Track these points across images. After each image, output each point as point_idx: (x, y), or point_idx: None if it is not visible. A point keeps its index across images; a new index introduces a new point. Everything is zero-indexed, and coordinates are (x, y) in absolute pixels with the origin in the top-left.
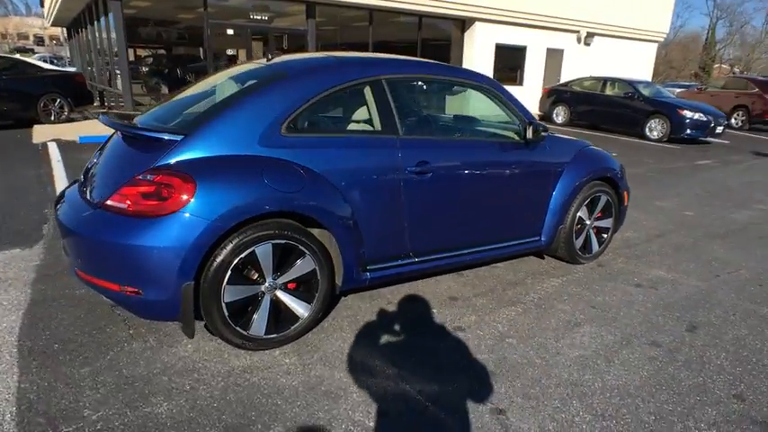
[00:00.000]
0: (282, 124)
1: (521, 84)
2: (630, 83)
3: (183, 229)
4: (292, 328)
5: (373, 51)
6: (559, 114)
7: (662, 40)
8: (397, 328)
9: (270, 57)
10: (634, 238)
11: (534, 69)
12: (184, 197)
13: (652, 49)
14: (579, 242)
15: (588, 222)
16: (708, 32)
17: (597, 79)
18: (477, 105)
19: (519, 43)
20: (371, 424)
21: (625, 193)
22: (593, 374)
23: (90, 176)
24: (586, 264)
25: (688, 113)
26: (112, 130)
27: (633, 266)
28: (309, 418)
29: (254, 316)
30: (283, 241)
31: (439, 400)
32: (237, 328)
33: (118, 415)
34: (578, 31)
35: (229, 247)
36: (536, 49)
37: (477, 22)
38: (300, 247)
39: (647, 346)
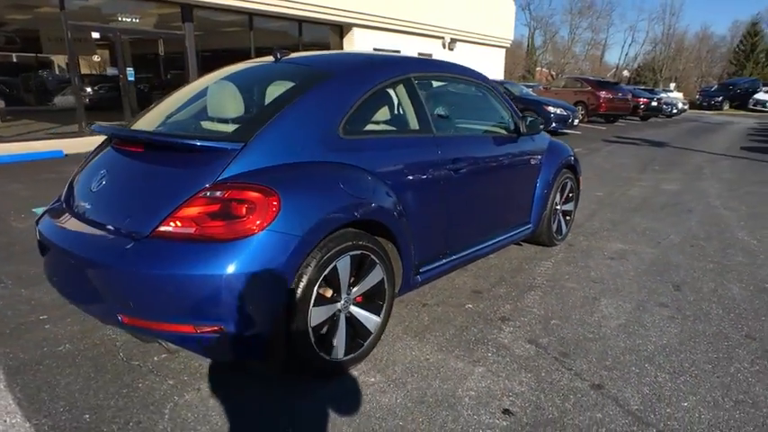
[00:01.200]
0: (339, 126)
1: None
2: (501, 83)
3: (274, 250)
4: (365, 344)
5: (256, 57)
6: None
7: (508, 45)
8: (450, 327)
9: (279, 56)
10: (577, 218)
11: None
12: (269, 213)
13: (501, 53)
14: (555, 226)
15: (558, 207)
16: (528, 41)
17: None
18: (470, 103)
19: (393, 48)
20: (503, 423)
21: (580, 178)
22: (641, 339)
23: (94, 198)
24: (559, 245)
25: (552, 109)
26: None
27: (595, 243)
28: (441, 429)
29: (334, 338)
30: (359, 252)
31: (543, 387)
32: (322, 354)
33: None
34: (443, 38)
35: (313, 263)
36: (409, 53)
37: (354, 28)
38: (372, 256)
39: (658, 308)
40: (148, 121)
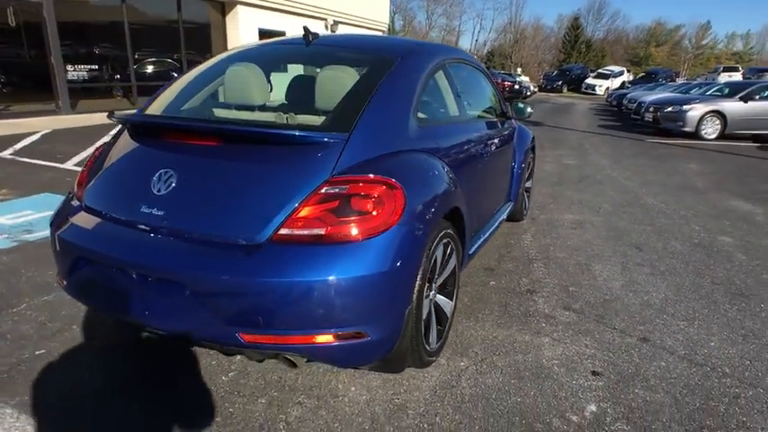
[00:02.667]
0: (414, 114)
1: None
2: None
3: (405, 245)
4: (445, 330)
5: (130, 33)
6: None
7: (385, 29)
8: (492, 305)
9: (311, 37)
10: None
11: None
12: (397, 207)
13: None
14: (524, 202)
15: (525, 185)
16: (389, 25)
17: None
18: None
19: (279, 28)
20: (599, 383)
21: (534, 157)
22: (645, 295)
23: (164, 202)
24: (525, 220)
25: None
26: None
27: (550, 215)
28: (554, 398)
29: (430, 327)
30: (447, 240)
31: (605, 347)
32: (426, 346)
33: None
34: (326, 19)
35: (426, 255)
36: (293, 34)
37: (239, 6)
38: (452, 242)
39: (638, 267)
40: (180, 110)
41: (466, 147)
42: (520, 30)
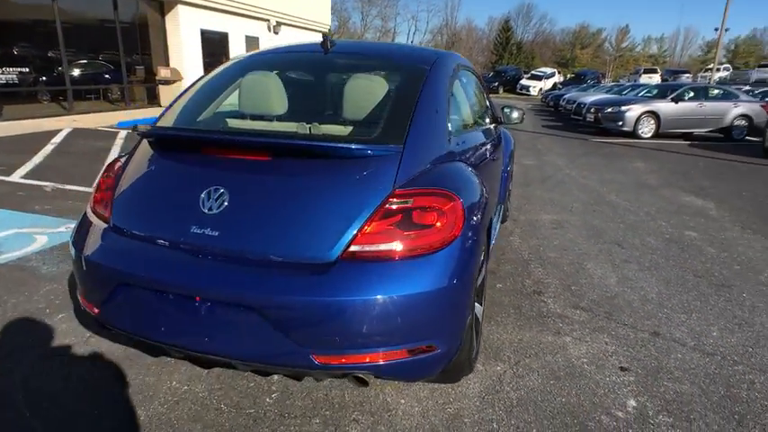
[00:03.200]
0: (447, 122)
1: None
2: None
3: (466, 256)
4: (480, 335)
5: (63, 34)
6: None
7: (326, 30)
8: (506, 308)
9: (329, 45)
10: None
11: None
12: (458, 219)
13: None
14: (507, 204)
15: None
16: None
17: None
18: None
19: (221, 30)
20: (630, 377)
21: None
22: (641, 290)
23: (217, 222)
24: (508, 221)
25: None
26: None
27: (530, 216)
28: (594, 395)
29: (475, 334)
30: (484, 246)
31: (624, 343)
32: (472, 353)
33: None
34: (269, 20)
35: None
36: (237, 36)
37: (179, 6)
38: (486, 249)
39: (626, 264)
40: (208, 123)
41: (480, 153)
42: (455, 32)
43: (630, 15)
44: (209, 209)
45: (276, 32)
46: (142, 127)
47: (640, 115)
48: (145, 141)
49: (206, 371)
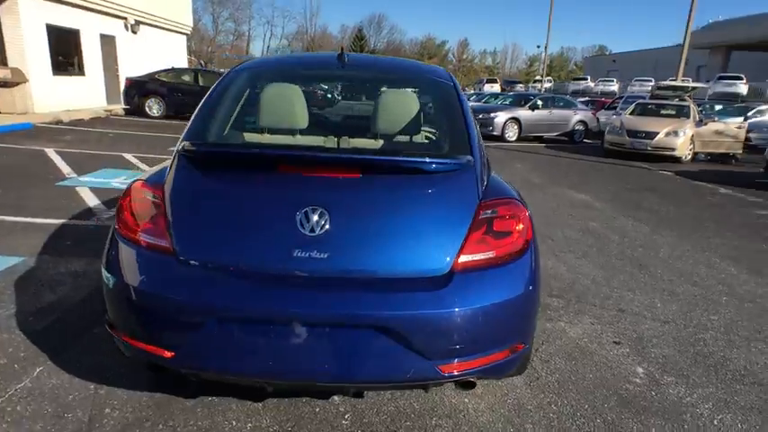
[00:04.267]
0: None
1: (83, 73)
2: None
3: (537, 260)
4: None
5: None
6: (153, 107)
7: (188, 32)
8: None
9: (345, 60)
10: None
11: (92, 57)
12: (529, 225)
13: (183, 40)
14: None
15: None
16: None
17: (188, 71)
18: None
19: (72, 26)
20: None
21: None
22: (600, 277)
23: (322, 244)
24: None
25: None
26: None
27: None
28: (619, 369)
29: None
30: None
31: (602, 320)
32: None
33: None
34: (126, 18)
35: None
36: (90, 33)
37: None
38: None
39: (569, 254)
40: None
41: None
42: (313, 37)
43: (468, 30)
44: (311, 230)
45: (135, 32)
46: (189, 145)
47: (506, 121)
48: (196, 160)
49: (260, 403)
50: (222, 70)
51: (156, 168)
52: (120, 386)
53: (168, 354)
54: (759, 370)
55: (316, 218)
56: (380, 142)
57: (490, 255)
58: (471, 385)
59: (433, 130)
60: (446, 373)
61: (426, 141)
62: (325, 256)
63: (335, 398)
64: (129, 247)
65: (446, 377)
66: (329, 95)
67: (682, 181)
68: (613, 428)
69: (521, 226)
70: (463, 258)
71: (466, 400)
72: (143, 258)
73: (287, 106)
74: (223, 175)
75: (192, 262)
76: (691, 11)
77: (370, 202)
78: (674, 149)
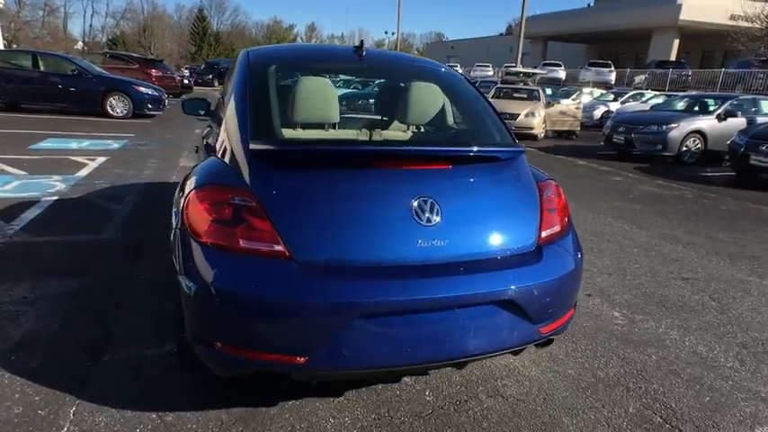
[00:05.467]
0: None
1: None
2: (70, 59)
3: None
4: None
5: None
6: None
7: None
8: None
9: (362, 54)
10: None
11: None
12: (566, 202)
13: None
14: None
15: None
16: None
17: (23, 53)
18: None
19: None
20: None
21: None
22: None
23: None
24: None
25: (144, 89)
26: None
27: None
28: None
29: None
30: None
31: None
32: None
33: None
34: None
35: None
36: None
37: None
38: None
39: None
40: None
41: None
42: (145, 17)
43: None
44: (427, 221)
45: None
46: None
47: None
48: (281, 160)
49: (341, 397)
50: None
51: (200, 170)
52: (184, 409)
53: (300, 359)
54: (688, 300)
55: (428, 208)
56: (409, 133)
57: (556, 229)
58: (550, 342)
59: (459, 120)
60: (544, 334)
61: (456, 130)
62: (443, 243)
63: (406, 379)
64: (227, 255)
65: (543, 337)
66: (361, 89)
67: (547, 156)
68: (627, 362)
69: (562, 202)
70: (543, 233)
71: (511, 360)
72: (253, 266)
73: (323, 100)
74: (320, 174)
75: (315, 264)
76: (523, 4)
77: (467, 190)
78: (532, 128)
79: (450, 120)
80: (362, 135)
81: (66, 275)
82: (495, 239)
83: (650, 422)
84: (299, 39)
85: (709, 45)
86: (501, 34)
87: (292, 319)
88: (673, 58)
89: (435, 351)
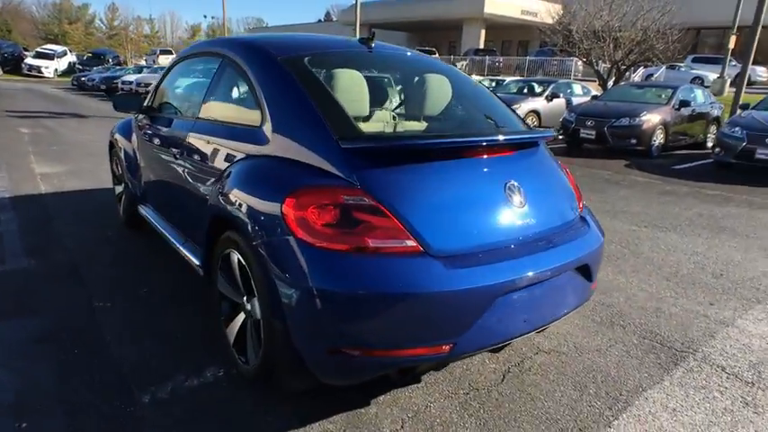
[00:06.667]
0: None
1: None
2: None
3: None
4: None
5: None
6: None
7: None
8: None
9: (371, 46)
10: None
11: None
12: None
13: None
14: None
15: None
16: None
17: None
18: None
19: None
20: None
21: None
22: None
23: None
24: None
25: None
26: None
27: None
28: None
29: None
30: None
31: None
32: None
33: None
34: None
35: None
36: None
37: None
38: None
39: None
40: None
41: None
42: None
43: None
44: (519, 203)
45: None
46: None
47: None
48: (383, 156)
49: (422, 382)
50: None
51: (270, 172)
52: (293, 427)
53: (446, 347)
54: (612, 251)
55: (516, 191)
56: (424, 124)
57: (583, 203)
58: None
59: (471, 110)
60: (593, 290)
61: (477, 119)
62: (532, 221)
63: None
64: (358, 258)
65: (592, 293)
66: (377, 81)
67: None
68: (608, 306)
69: (574, 181)
70: (580, 204)
71: (544, 336)
72: (389, 265)
73: (363, 93)
74: (424, 168)
75: (449, 253)
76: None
77: (534, 172)
78: None
79: (458, 110)
80: (378, 127)
81: (14, 316)
82: (561, 213)
83: (653, 345)
84: (97, 20)
85: (507, 35)
86: (319, 20)
87: (444, 309)
88: (482, 46)
89: (541, 317)
